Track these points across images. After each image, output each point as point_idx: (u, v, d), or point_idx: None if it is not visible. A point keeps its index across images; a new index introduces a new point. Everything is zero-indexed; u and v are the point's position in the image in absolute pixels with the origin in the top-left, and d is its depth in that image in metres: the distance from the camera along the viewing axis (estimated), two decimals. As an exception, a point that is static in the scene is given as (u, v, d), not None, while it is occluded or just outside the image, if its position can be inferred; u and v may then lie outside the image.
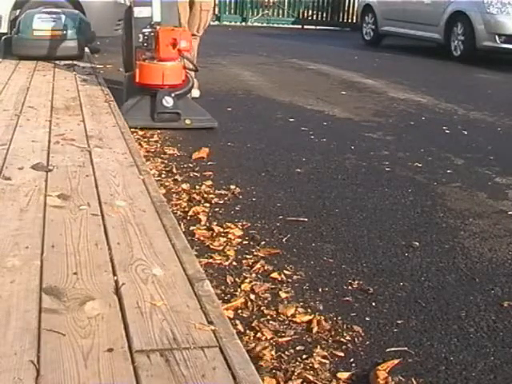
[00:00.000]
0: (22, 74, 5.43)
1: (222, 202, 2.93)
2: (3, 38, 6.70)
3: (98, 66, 6.32)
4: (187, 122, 4.25)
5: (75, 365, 1.41)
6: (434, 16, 9.66)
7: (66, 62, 6.17)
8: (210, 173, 3.35)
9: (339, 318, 1.96)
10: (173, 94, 4.25)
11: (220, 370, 1.42)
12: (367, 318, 1.97)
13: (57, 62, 6.16)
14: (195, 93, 5.10)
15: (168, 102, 4.21)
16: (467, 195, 3.25)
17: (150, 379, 1.38)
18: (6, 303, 1.66)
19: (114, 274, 1.86)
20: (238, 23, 15.06)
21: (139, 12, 4.52)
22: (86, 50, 6.88)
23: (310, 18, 15.84)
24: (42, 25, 6.40)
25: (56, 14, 6.59)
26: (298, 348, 1.77)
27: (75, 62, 6.23)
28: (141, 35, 4.38)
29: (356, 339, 1.84)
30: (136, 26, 4.52)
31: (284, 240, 2.54)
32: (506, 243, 2.63)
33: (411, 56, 9.86)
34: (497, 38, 8.78)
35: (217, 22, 13.88)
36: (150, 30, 4.35)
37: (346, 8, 15.75)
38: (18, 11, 7.53)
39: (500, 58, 9.19)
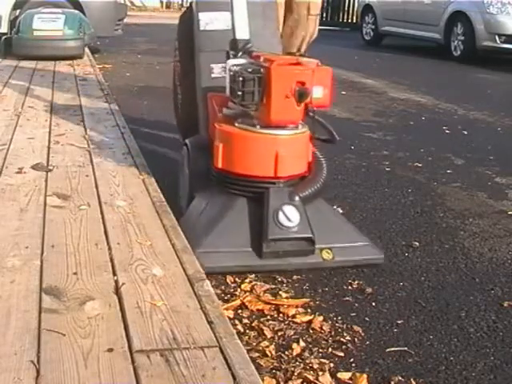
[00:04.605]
0: (22, 74, 5.43)
1: (222, 202, 2.93)
2: (3, 38, 6.71)
3: (97, 66, 6.32)
4: (326, 255, 2.22)
5: (75, 365, 1.41)
6: (434, 16, 9.67)
7: (66, 62, 6.17)
8: (210, 173, 3.34)
9: (339, 317, 1.96)
10: (297, 198, 2.18)
11: (220, 370, 1.42)
12: (367, 318, 1.97)
13: (57, 61, 6.16)
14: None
15: (290, 215, 2.14)
16: (467, 195, 3.25)
17: (149, 379, 1.38)
18: (6, 303, 1.66)
19: (114, 274, 1.86)
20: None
21: (209, 22, 2.58)
22: (86, 49, 6.89)
23: (309, 18, 15.84)
24: (41, 25, 6.42)
25: (56, 14, 6.61)
26: (298, 348, 1.77)
27: (75, 62, 6.24)
28: (216, 69, 2.52)
29: (356, 339, 1.84)
30: (203, 48, 2.59)
31: (284, 240, 2.53)
32: (506, 243, 2.63)
33: (411, 56, 9.86)
34: (497, 37, 8.79)
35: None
36: (243, 61, 2.32)
37: (346, 8, 15.77)
38: (18, 11, 7.55)
39: (500, 58, 9.18)
